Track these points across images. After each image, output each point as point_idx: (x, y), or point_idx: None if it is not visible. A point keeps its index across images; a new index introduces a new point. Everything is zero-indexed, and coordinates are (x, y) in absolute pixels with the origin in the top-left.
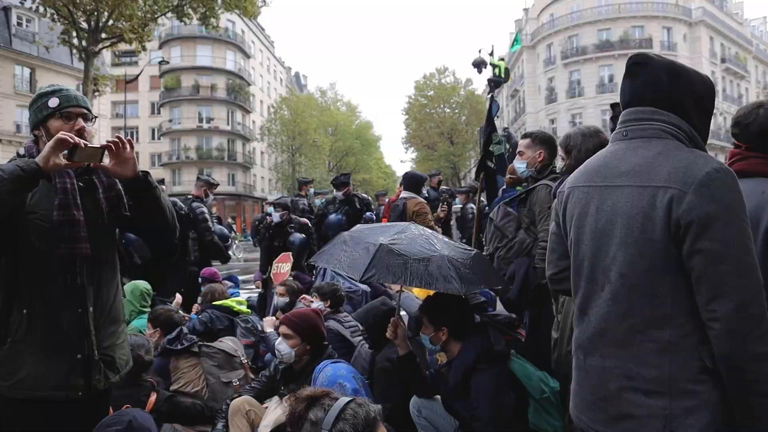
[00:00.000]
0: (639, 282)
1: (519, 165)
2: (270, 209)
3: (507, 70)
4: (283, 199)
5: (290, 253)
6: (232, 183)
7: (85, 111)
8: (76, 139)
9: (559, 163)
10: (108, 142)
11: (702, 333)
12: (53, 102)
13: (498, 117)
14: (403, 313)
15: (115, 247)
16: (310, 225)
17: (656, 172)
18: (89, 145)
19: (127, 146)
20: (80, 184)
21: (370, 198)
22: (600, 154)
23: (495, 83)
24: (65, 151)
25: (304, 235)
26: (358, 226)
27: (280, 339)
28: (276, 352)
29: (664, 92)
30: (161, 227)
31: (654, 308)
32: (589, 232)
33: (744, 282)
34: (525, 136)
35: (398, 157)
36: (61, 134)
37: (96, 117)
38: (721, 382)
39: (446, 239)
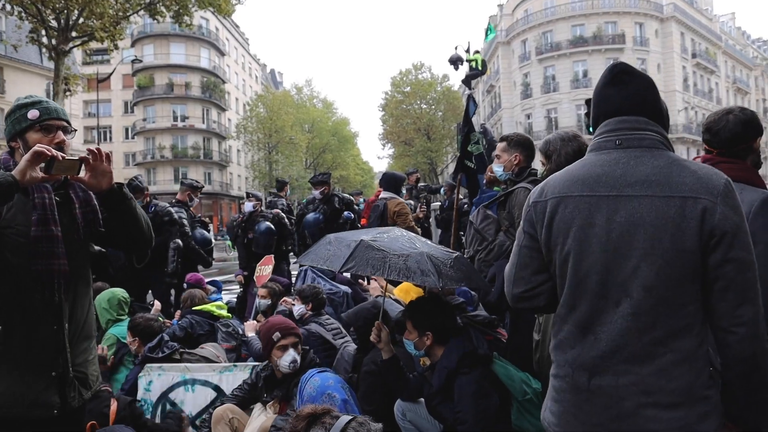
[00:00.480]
0: (668, 293)
1: (497, 168)
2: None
3: (484, 62)
4: (256, 192)
5: (272, 255)
6: (208, 182)
7: (65, 124)
8: (54, 151)
9: (540, 168)
10: (87, 152)
11: (709, 339)
12: (33, 114)
13: (475, 115)
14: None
15: (89, 262)
16: (282, 215)
17: (678, 182)
18: (66, 158)
19: (104, 158)
20: (56, 198)
21: (351, 198)
22: (590, 163)
23: (472, 76)
24: (42, 164)
25: (269, 223)
26: (344, 232)
27: (291, 351)
28: (288, 366)
29: (652, 104)
30: (137, 238)
31: (679, 319)
32: (597, 244)
33: (759, 287)
34: (501, 139)
35: (375, 154)
36: (38, 147)
37: (75, 130)
38: (719, 386)
39: (430, 242)
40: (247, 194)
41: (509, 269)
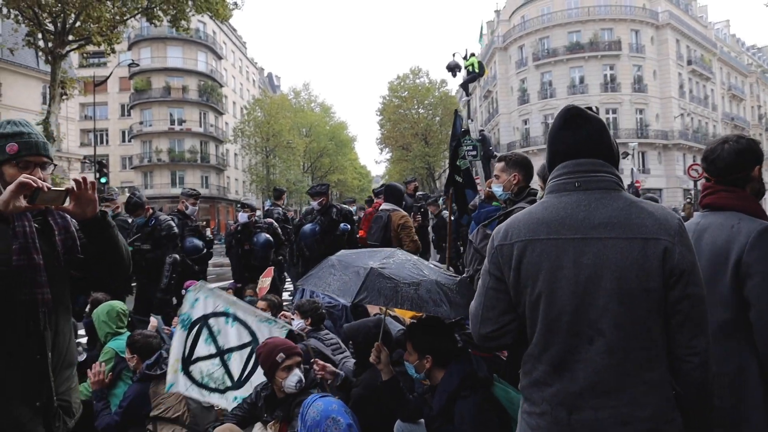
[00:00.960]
0: (637, 329)
1: (496, 189)
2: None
3: (481, 64)
4: (249, 200)
5: (273, 267)
6: (205, 185)
7: (45, 159)
8: (39, 182)
9: (540, 192)
10: (73, 182)
11: (669, 366)
12: (11, 148)
13: (471, 121)
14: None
15: (68, 290)
16: (276, 225)
17: (638, 223)
18: (52, 189)
19: (90, 188)
20: (36, 226)
21: (350, 209)
22: (552, 205)
23: (470, 80)
24: (26, 195)
25: (267, 235)
26: (343, 251)
27: (296, 371)
28: (295, 386)
29: (606, 146)
30: (116, 265)
31: (648, 351)
32: (567, 285)
33: (708, 319)
34: (499, 159)
35: (373, 158)
36: (23, 178)
37: (56, 165)
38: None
39: (431, 265)
40: (242, 204)
41: (476, 309)
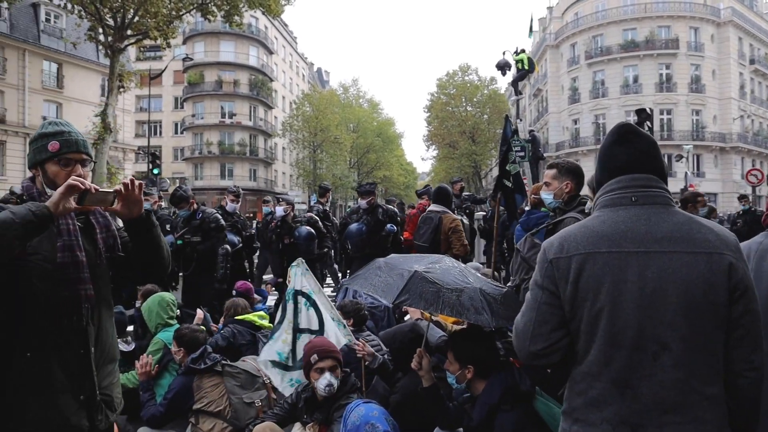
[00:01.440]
0: (703, 344)
1: (546, 196)
2: (268, 208)
3: (531, 60)
4: (287, 196)
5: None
6: (253, 178)
7: (85, 157)
8: (87, 184)
9: (588, 203)
10: (121, 185)
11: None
12: (53, 146)
13: (520, 120)
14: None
15: (110, 287)
16: (316, 218)
17: (700, 238)
18: (100, 190)
19: (137, 189)
20: (79, 224)
21: (395, 210)
22: (611, 219)
23: (520, 78)
24: (75, 196)
25: (309, 228)
26: (393, 255)
27: (327, 374)
28: (324, 390)
29: (659, 162)
30: (156, 264)
31: (711, 366)
32: (631, 300)
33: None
34: (551, 166)
35: (419, 155)
36: (72, 180)
37: (95, 162)
38: None
39: (479, 274)
40: (278, 199)
41: (525, 325)
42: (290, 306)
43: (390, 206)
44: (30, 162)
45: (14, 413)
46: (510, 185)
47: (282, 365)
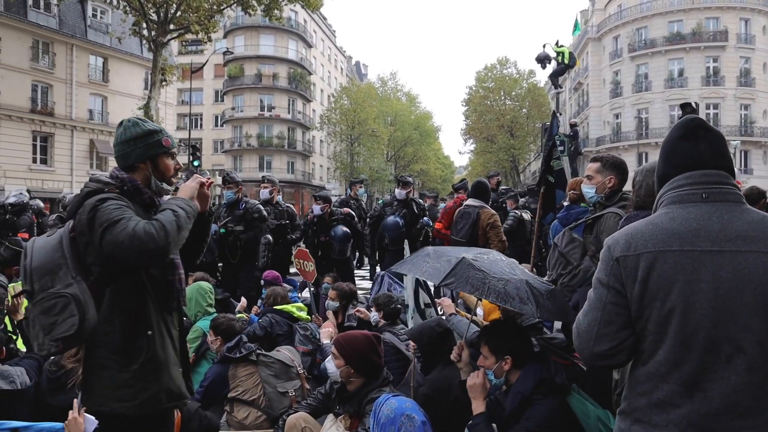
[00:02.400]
0: None
1: (587, 190)
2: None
3: (572, 55)
4: (324, 192)
5: (307, 250)
6: (291, 171)
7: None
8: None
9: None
10: (206, 181)
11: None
12: (167, 142)
13: (560, 114)
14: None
15: None
16: (353, 215)
17: None
18: None
19: (208, 186)
20: None
21: (424, 204)
22: (681, 217)
23: (559, 72)
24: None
25: (346, 228)
26: (441, 246)
27: (330, 357)
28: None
29: (728, 159)
30: (199, 252)
31: None
32: (705, 300)
33: None
34: (595, 159)
35: (457, 148)
36: (202, 178)
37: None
38: None
39: (527, 270)
40: (315, 197)
41: (589, 325)
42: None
43: (420, 200)
44: (139, 156)
45: (137, 390)
46: (552, 180)
47: None
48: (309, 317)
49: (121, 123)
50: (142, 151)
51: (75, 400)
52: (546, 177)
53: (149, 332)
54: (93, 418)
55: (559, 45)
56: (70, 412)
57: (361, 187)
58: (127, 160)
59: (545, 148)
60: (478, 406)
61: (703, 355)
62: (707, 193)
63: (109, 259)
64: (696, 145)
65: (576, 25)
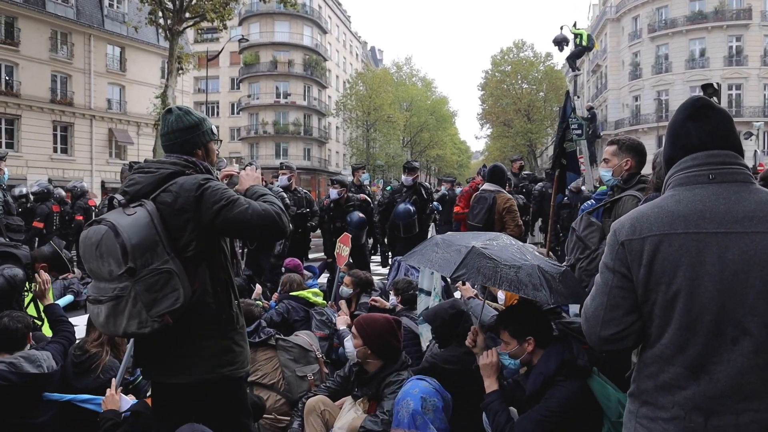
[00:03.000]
0: None
1: (604, 173)
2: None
3: (590, 37)
4: (341, 176)
5: (350, 236)
6: (307, 157)
7: None
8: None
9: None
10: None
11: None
12: (215, 129)
13: (578, 97)
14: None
15: None
16: (369, 201)
17: None
18: None
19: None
20: None
21: (431, 188)
22: (687, 198)
23: (577, 54)
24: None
25: (362, 214)
26: (449, 233)
27: (350, 336)
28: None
29: (735, 138)
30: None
31: None
32: (710, 282)
33: None
34: (611, 142)
35: (473, 133)
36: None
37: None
38: None
39: (537, 253)
40: (332, 181)
41: (595, 310)
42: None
43: (427, 184)
44: (197, 143)
45: (235, 355)
46: (565, 163)
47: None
48: (325, 302)
49: (170, 110)
50: (199, 138)
51: (113, 378)
52: (560, 160)
53: (236, 301)
54: (128, 398)
55: (577, 27)
56: (108, 389)
57: (364, 172)
58: (187, 147)
59: (559, 130)
60: (491, 384)
61: (708, 337)
62: (714, 174)
63: (223, 234)
64: (702, 125)
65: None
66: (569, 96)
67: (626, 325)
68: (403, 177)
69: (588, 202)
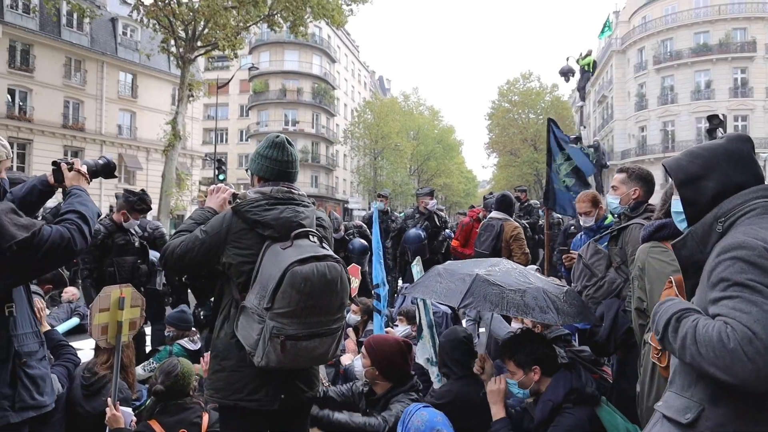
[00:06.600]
0: None
1: (612, 200)
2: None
3: (594, 63)
4: (349, 204)
5: (359, 268)
6: (314, 185)
7: None
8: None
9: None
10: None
11: None
12: None
13: (584, 128)
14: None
15: None
16: (365, 227)
17: None
18: None
19: None
20: None
21: (446, 217)
22: None
23: (585, 80)
24: None
25: (363, 241)
26: (450, 261)
27: (359, 356)
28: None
29: None
30: None
31: None
32: None
33: None
34: (621, 170)
35: (480, 163)
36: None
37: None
38: None
39: (540, 275)
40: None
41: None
42: (421, 304)
43: (443, 213)
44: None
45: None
46: (572, 192)
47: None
48: None
49: (288, 140)
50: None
51: (108, 398)
52: (552, 189)
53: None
54: (129, 410)
55: (585, 56)
56: (107, 409)
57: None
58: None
59: (549, 165)
60: (498, 412)
61: None
62: None
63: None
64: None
65: (607, 25)
66: (552, 127)
67: None
68: (431, 202)
69: (578, 236)
